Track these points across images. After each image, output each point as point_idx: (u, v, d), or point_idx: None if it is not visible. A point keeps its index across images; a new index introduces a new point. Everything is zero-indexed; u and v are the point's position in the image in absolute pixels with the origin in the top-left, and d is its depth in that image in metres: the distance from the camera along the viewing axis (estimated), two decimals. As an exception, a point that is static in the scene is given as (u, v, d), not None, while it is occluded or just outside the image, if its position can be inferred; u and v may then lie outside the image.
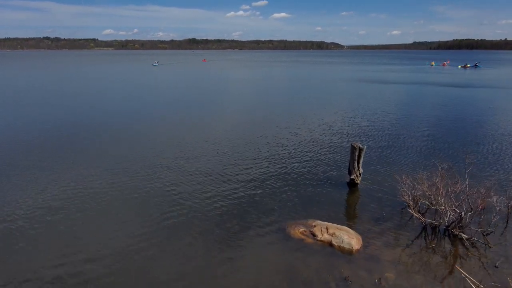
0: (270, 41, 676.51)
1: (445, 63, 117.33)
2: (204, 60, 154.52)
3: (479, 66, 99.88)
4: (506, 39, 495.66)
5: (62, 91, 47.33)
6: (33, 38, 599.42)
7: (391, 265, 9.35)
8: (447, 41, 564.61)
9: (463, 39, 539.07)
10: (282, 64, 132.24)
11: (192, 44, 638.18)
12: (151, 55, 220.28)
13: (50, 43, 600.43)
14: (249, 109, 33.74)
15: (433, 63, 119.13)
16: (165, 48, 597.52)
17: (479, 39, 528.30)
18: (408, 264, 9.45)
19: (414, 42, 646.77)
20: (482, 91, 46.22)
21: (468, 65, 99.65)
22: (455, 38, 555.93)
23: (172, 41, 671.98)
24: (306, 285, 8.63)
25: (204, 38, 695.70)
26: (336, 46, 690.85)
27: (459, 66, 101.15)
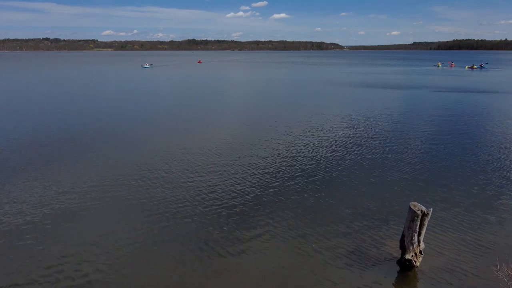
0: (270, 42, 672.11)
1: (452, 64, 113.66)
2: (200, 61, 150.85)
3: (484, 67, 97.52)
4: (506, 39, 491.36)
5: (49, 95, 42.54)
6: (32, 39, 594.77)
7: None
8: (447, 42, 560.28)
9: (463, 40, 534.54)
10: (281, 65, 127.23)
11: (192, 44, 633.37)
12: (151, 56, 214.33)
13: (49, 44, 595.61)
14: (235, 134, 25.47)
15: (439, 64, 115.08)
16: (165, 49, 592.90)
17: (479, 39, 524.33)
18: None
19: (414, 43, 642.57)
20: None
21: (475, 66, 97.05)
22: (454, 39, 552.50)
23: (171, 41, 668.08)
24: None
25: (204, 39, 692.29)
26: (335, 46, 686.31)
27: (466, 67, 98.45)
